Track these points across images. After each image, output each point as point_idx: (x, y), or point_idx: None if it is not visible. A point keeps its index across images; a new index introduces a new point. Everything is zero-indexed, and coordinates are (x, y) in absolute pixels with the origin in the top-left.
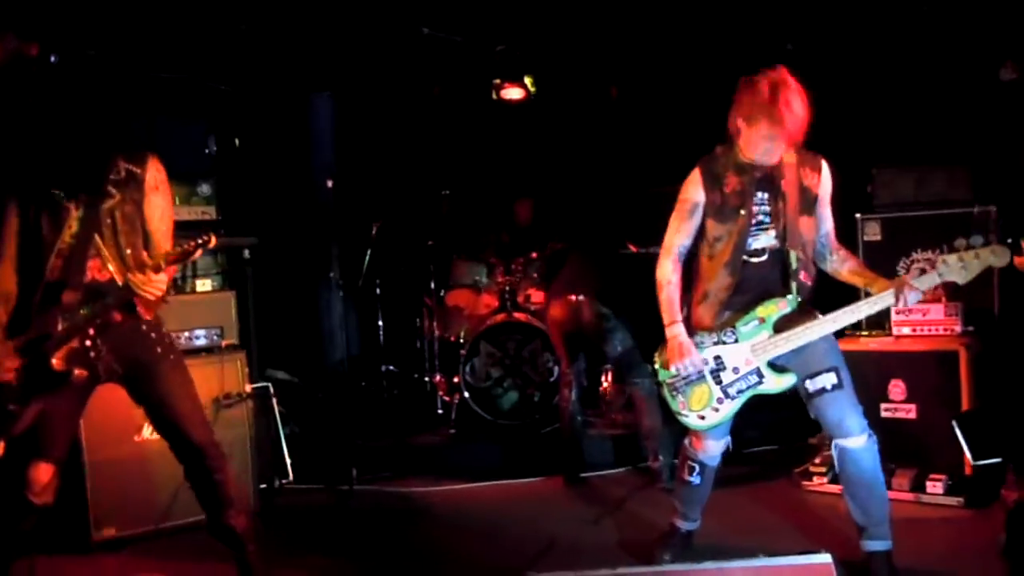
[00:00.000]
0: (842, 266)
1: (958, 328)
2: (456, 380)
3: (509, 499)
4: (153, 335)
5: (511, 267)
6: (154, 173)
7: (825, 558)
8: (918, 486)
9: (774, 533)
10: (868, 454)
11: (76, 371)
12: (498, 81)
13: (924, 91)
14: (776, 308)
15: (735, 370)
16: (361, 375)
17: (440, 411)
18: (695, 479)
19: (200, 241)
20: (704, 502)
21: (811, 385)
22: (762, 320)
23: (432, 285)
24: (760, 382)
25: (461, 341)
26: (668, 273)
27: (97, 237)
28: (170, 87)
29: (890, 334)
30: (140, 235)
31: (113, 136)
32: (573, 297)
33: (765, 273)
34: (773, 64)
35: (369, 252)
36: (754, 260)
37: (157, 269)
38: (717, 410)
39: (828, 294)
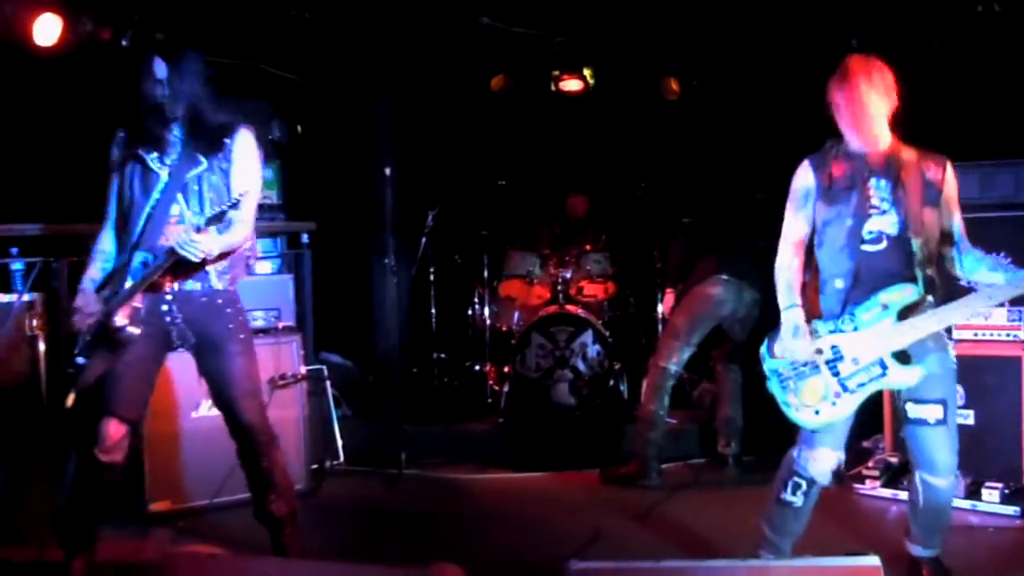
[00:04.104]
0: (980, 264)
1: (1021, 334)
2: (506, 370)
3: (556, 489)
4: (228, 311)
5: (564, 259)
6: (243, 143)
7: (874, 560)
8: (973, 494)
9: (823, 535)
10: (949, 492)
11: (130, 328)
12: (557, 72)
13: (988, 84)
14: (901, 295)
15: (855, 360)
16: (413, 361)
17: (489, 400)
18: (797, 499)
19: (230, 203)
20: (799, 534)
21: (912, 411)
22: (885, 306)
23: (485, 275)
24: (883, 374)
25: (513, 331)
26: (787, 259)
27: (182, 200)
28: (236, 73)
29: (950, 338)
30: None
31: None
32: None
33: (885, 264)
34: (841, 57)
35: (424, 240)
36: (872, 248)
37: (197, 228)
38: (834, 404)
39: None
